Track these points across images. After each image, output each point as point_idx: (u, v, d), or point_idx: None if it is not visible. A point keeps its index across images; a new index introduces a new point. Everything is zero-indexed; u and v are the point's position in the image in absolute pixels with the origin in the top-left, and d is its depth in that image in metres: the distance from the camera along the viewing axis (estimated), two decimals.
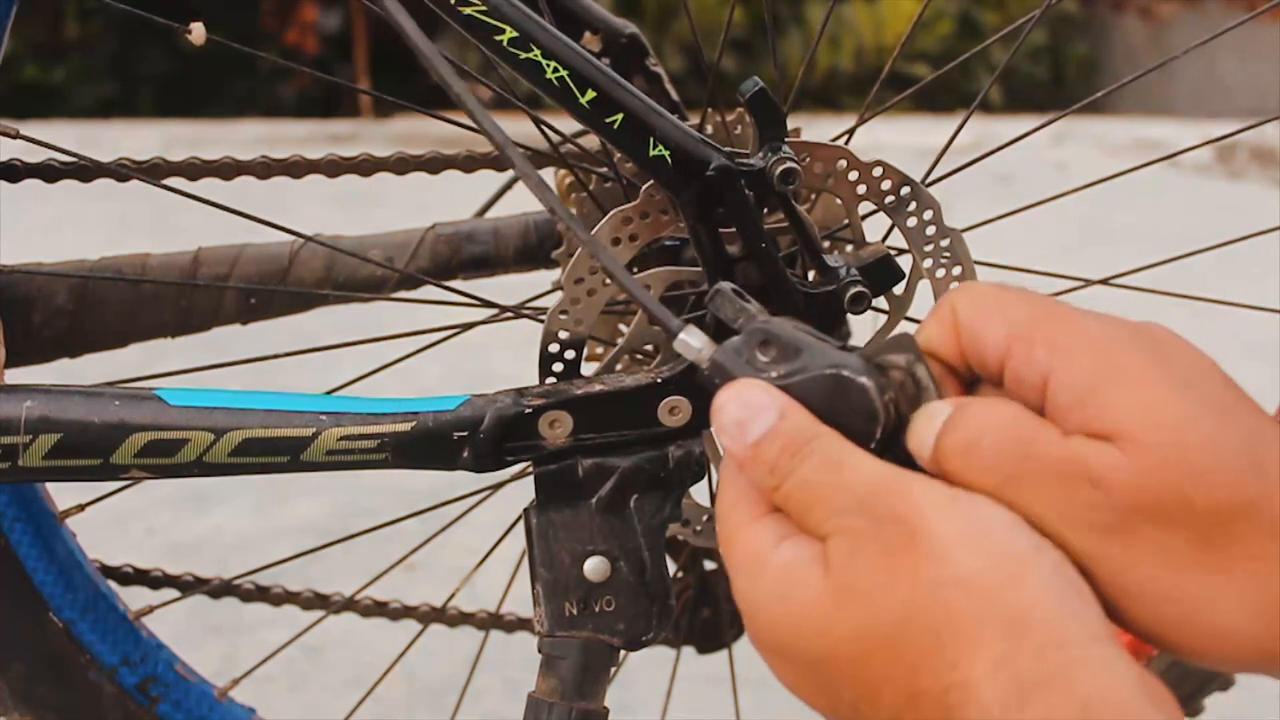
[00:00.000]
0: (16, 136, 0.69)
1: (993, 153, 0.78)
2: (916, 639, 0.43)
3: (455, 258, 0.84)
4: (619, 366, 0.69)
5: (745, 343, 0.51)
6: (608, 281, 0.64)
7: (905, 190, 0.65)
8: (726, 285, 0.55)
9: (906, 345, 0.49)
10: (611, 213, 0.63)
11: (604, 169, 0.76)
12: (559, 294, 0.65)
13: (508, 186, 0.92)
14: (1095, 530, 0.45)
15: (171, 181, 0.74)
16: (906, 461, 0.48)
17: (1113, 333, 0.47)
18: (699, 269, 0.64)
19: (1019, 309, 0.48)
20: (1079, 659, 0.42)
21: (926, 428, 0.48)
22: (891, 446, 0.48)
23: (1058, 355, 0.46)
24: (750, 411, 0.49)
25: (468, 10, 0.59)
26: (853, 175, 0.64)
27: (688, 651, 0.96)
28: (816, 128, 0.73)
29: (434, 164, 0.81)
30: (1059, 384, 0.46)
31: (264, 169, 0.78)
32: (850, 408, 0.48)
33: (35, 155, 0.75)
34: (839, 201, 0.66)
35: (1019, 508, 0.45)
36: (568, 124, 0.68)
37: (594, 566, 0.64)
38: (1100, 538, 0.45)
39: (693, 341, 0.52)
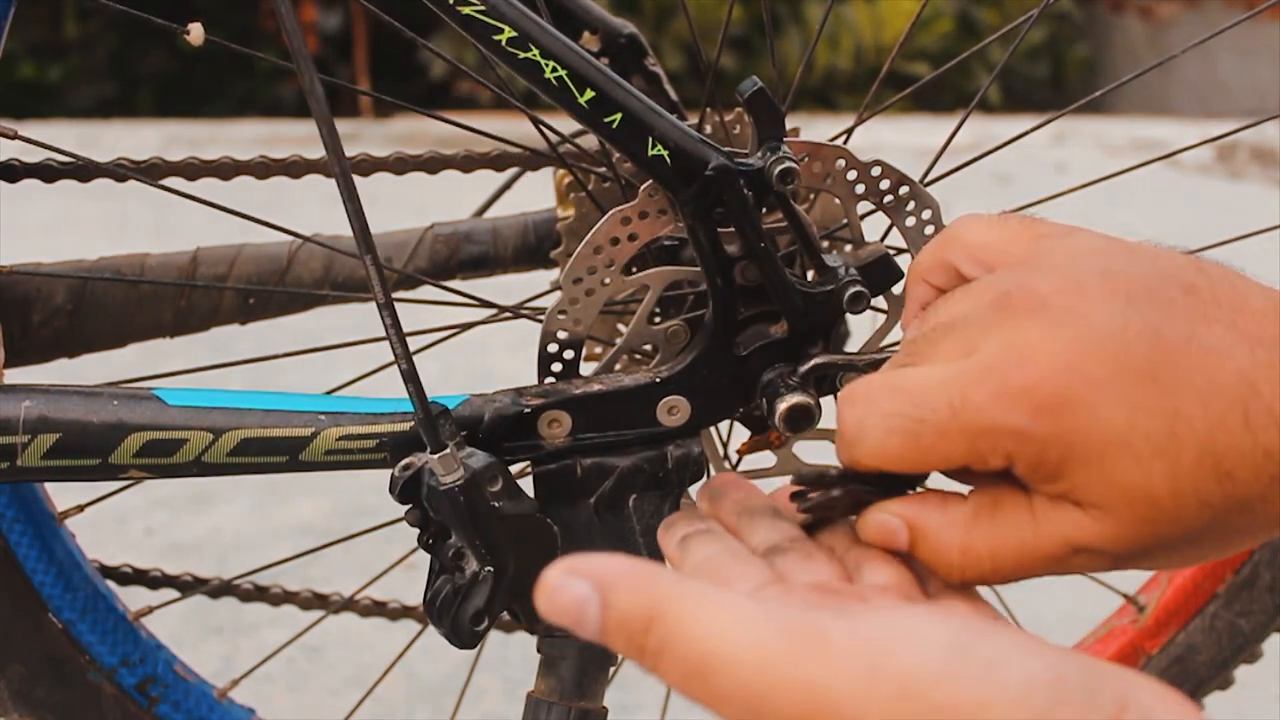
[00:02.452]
0: (15, 137, 0.69)
1: (992, 152, 0.77)
2: None
3: (454, 258, 0.84)
4: (617, 366, 0.69)
5: None
6: (606, 281, 0.64)
7: (904, 190, 0.65)
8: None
9: None
10: (610, 212, 0.63)
11: (603, 169, 0.76)
12: (557, 294, 0.65)
13: (507, 186, 0.92)
14: (1105, 567, 0.47)
15: (170, 181, 0.74)
16: None
17: (1077, 354, 0.45)
18: (698, 268, 0.64)
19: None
20: None
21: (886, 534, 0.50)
22: None
23: (1020, 448, 0.46)
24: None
25: (466, 10, 0.59)
26: (851, 175, 0.64)
27: None
28: (815, 127, 0.73)
29: (432, 164, 0.81)
30: (1022, 471, 0.47)
31: (263, 169, 0.78)
32: None
33: (34, 155, 0.75)
34: (838, 201, 0.66)
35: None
36: (567, 124, 0.68)
37: None
38: (1112, 566, 0.47)
39: None
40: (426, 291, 0.82)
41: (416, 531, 0.61)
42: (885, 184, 0.65)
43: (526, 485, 0.67)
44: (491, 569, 0.60)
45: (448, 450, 0.59)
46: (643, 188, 0.63)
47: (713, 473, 0.74)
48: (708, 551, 0.52)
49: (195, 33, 0.62)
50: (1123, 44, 9.70)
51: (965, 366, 0.47)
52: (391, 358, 0.59)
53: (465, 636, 0.61)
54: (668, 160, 0.61)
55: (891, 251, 0.67)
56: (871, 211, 0.66)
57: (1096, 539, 0.46)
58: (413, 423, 0.61)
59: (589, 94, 0.60)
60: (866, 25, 7.88)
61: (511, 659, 1.49)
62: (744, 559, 0.51)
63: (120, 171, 0.72)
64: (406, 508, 0.61)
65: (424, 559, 0.62)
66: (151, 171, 0.75)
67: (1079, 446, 0.44)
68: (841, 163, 0.64)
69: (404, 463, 0.60)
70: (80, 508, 0.81)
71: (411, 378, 0.58)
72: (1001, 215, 0.54)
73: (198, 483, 1.39)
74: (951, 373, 0.47)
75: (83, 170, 0.74)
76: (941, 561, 0.49)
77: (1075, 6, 9.02)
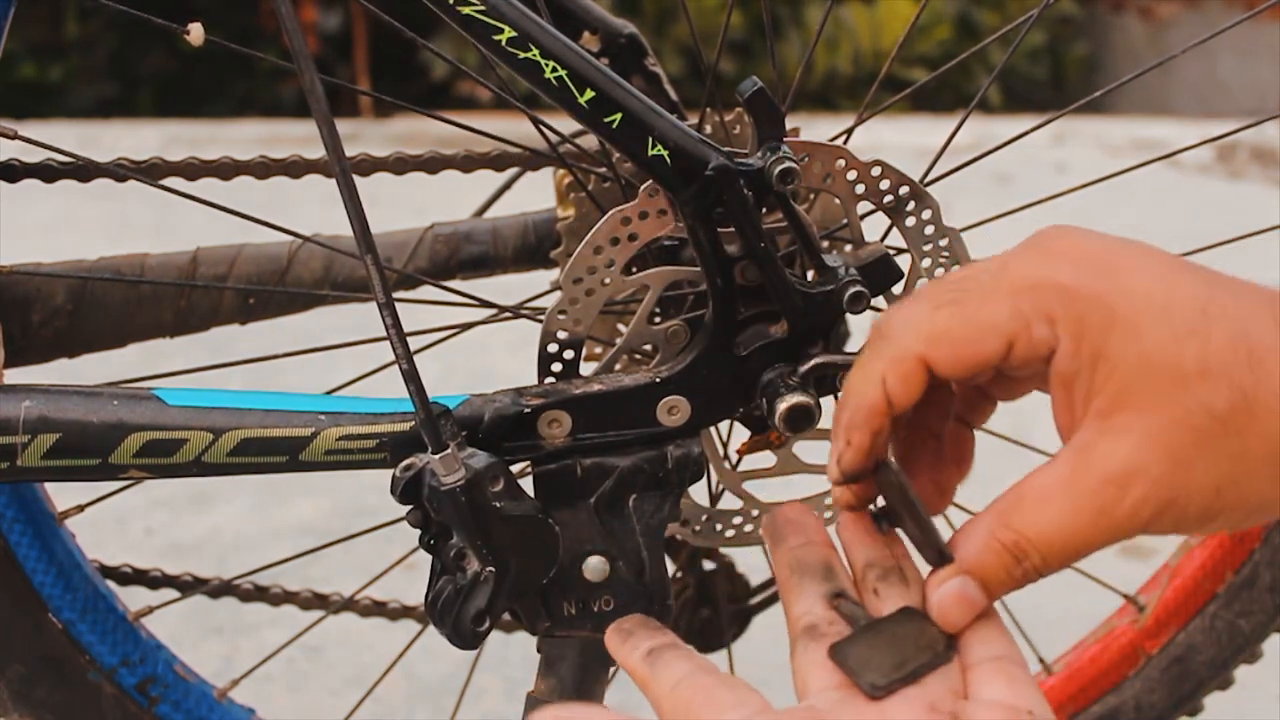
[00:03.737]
0: (14, 138, 0.69)
1: (992, 152, 0.78)
2: None
3: (454, 258, 0.84)
4: (617, 366, 0.69)
5: None
6: (606, 281, 0.64)
7: (904, 190, 0.65)
8: None
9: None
10: (610, 212, 0.63)
11: (603, 169, 0.76)
12: (557, 294, 0.65)
13: (506, 186, 0.92)
14: (1161, 500, 0.46)
15: (170, 181, 0.74)
16: None
17: (1114, 241, 0.49)
18: (698, 268, 0.64)
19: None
20: None
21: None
22: None
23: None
24: None
25: (466, 10, 0.59)
26: (851, 175, 0.64)
27: None
28: (815, 128, 0.73)
29: (432, 164, 0.81)
30: (1066, 351, 0.48)
31: (263, 169, 0.78)
32: None
33: (34, 155, 0.75)
34: (837, 201, 0.66)
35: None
36: (567, 124, 0.68)
37: (593, 566, 0.64)
38: (1167, 497, 0.47)
39: None
40: (426, 291, 0.82)
41: (417, 532, 0.61)
42: (885, 184, 0.65)
43: (526, 485, 0.67)
44: (493, 569, 0.60)
45: (449, 450, 0.59)
46: (643, 188, 0.63)
47: (712, 474, 0.74)
48: (682, 671, 0.52)
49: (195, 33, 0.62)
50: (1123, 44, 9.69)
51: (1004, 254, 0.49)
52: (391, 358, 0.59)
53: (467, 637, 0.61)
54: (668, 160, 0.61)
55: (891, 251, 0.67)
56: (871, 211, 0.66)
57: (1137, 457, 0.45)
58: (413, 423, 0.61)
59: (589, 94, 0.60)
60: (865, 29, 7.88)
61: (511, 659, 1.49)
62: (728, 685, 0.51)
63: (120, 171, 0.72)
64: (407, 508, 0.61)
65: (424, 559, 0.61)
66: (151, 171, 0.75)
67: (1121, 310, 0.46)
68: (841, 163, 0.64)
69: (405, 463, 0.60)
70: (80, 508, 0.81)
71: (412, 378, 0.58)
72: None
73: (198, 483, 1.39)
74: (993, 260, 0.49)
75: (83, 170, 0.74)
76: (997, 577, 0.48)
77: (1076, 7, 9.02)
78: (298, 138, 5.34)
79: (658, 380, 0.64)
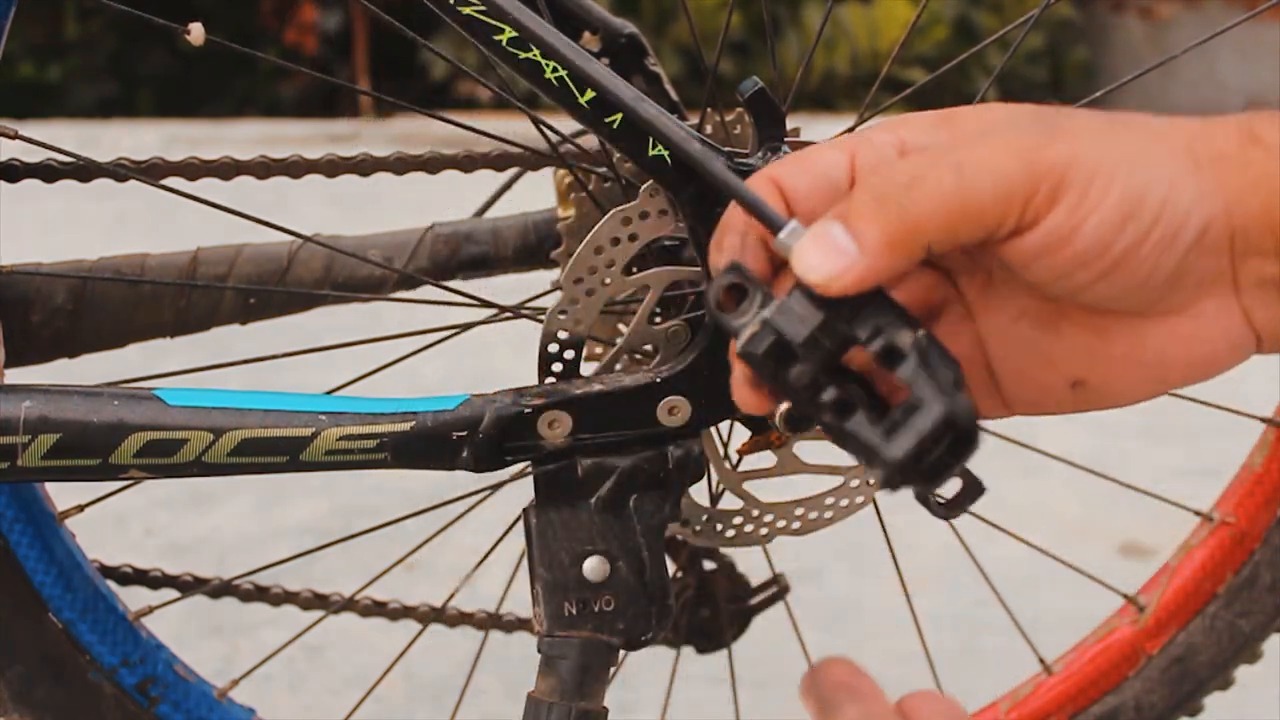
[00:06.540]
0: (15, 137, 0.69)
1: None
2: None
3: (454, 258, 0.84)
4: (618, 366, 0.69)
5: None
6: (607, 281, 0.64)
7: None
8: None
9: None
10: (611, 212, 0.63)
11: (603, 169, 0.76)
12: (558, 294, 0.65)
13: (507, 186, 0.92)
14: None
15: (170, 181, 0.74)
16: None
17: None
18: (698, 268, 0.64)
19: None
20: None
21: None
22: None
23: None
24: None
25: (467, 10, 0.59)
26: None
27: (687, 651, 0.96)
28: (815, 128, 0.73)
29: (433, 164, 0.81)
30: None
31: (263, 169, 0.78)
32: None
33: (34, 155, 0.75)
34: None
35: None
36: (567, 124, 0.68)
37: (593, 566, 0.64)
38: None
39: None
40: (427, 291, 0.82)
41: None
42: None
43: (526, 486, 0.67)
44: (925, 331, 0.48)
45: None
46: (643, 188, 0.63)
47: (712, 474, 0.74)
48: None
49: (196, 33, 0.62)
50: (1123, 44, 9.69)
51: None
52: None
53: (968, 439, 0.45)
54: (668, 160, 0.61)
55: None
56: None
57: None
58: (413, 423, 0.61)
59: (589, 94, 0.60)
60: (863, 31, 7.88)
61: (512, 659, 1.49)
62: None
63: (120, 171, 0.72)
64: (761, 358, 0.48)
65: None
66: (151, 171, 0.75)
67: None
68: None
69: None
70: (80, 508, 0.81)
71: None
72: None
73: (198, 483, 1.39)
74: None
75: (83, 170, 0.74)
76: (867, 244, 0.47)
77: (1075, 11, 9.02)
78: (298, 138, 5.34)
79: (658, 380, 0.64)
